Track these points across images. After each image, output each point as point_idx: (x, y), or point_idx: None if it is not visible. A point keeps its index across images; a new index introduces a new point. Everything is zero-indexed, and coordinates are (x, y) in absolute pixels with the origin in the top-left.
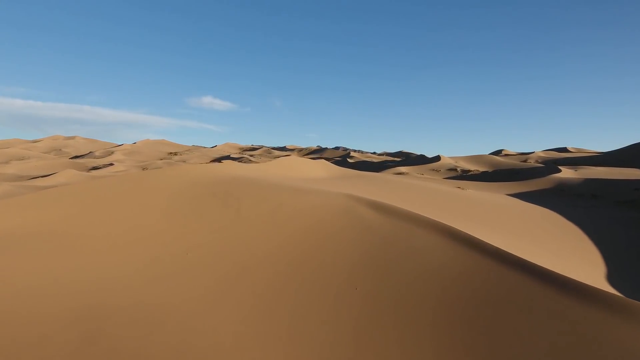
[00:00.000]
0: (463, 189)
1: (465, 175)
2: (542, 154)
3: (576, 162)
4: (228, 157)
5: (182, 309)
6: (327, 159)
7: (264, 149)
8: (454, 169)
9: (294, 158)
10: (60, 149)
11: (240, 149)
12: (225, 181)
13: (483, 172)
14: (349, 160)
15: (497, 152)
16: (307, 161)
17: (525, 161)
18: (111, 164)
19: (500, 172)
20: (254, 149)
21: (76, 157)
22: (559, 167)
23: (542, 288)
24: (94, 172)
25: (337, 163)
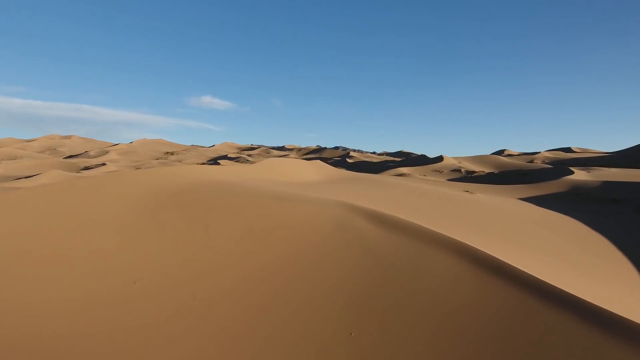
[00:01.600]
0: (472, 193)
1: (470, 177)
2: (548, 154)
3: (585, 162)
4: (225, 157)
5: (114, 346)
6: (326, 158)
7: (262, 148)
8: (457, 170)
9: (284, 159)
10: (55, 149)
11: (239, 148)
12: (197, 188)
13: (489, 174)
14: (348, 160)
15: (499, 152)
16: (299, 162)
17: (531, 162)
18: (103, 164)
19: (507, 173)
20: (252, 148)
21: (70, 156)
22: (571, 169)
23: (587, 330)
24: (84, 173)
25: (336, 163)
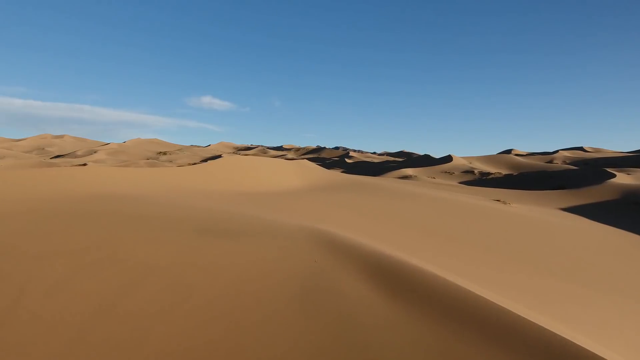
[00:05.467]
0: (506, 203)
1: (485, 180)
2: (567, 154)
3: (614, 163)
4: (219, 157)
5: None
6: (324, 159)
7: (259, 148)
8: (470, 172)
9: (254, 158)
10: (43, 148)
11: (235, 148)
12: (60, 208)
13: (506, 176)
14: (347, 160)
15: (507, 152)
16: (276, 163)
17: (550, 162)
18: (84, 164)
19: (528, 175)
20: (248, 148)
21: (58, 156)
22: (609, 171)
23: None
24: None
25: (334, 163)
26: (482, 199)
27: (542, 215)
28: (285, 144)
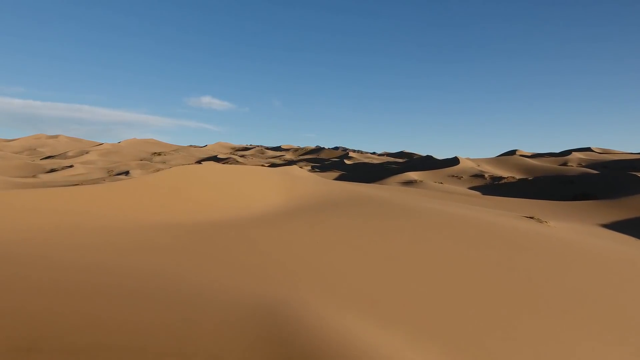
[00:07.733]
0: (542, 221)
1: (498, 185)
2: (581, 155)
3: (634, 166)
4: (215, 158)
5: None
6: (323, 159)
7: (257, 148)
8: (480, 176)
9: (223, 168)
10: (35, 149)
11: (232, 148)
12: None
13: (521, 180)
14: (346, 161)
15: (511, 153)
16: (251, 173)
17: (564, 164)
18: (70, 166)
19: (545, 180)
20: (246, 148)
21: (48, 157)
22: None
23: None
24: (44, 177)
25: (333, 164)
26: (511, 215)
27: (597, 240)
28: (284, 144)
